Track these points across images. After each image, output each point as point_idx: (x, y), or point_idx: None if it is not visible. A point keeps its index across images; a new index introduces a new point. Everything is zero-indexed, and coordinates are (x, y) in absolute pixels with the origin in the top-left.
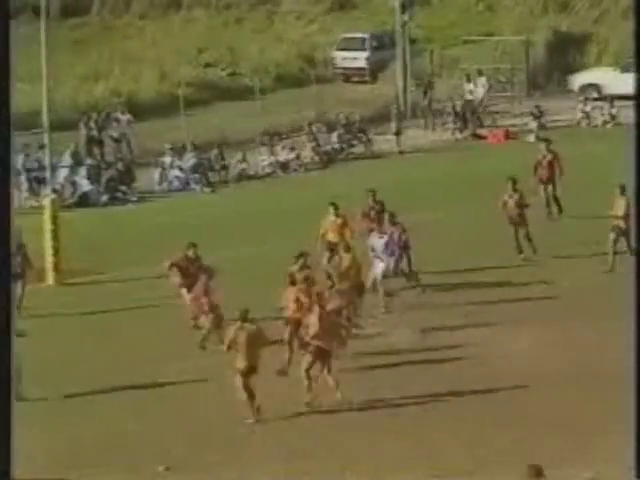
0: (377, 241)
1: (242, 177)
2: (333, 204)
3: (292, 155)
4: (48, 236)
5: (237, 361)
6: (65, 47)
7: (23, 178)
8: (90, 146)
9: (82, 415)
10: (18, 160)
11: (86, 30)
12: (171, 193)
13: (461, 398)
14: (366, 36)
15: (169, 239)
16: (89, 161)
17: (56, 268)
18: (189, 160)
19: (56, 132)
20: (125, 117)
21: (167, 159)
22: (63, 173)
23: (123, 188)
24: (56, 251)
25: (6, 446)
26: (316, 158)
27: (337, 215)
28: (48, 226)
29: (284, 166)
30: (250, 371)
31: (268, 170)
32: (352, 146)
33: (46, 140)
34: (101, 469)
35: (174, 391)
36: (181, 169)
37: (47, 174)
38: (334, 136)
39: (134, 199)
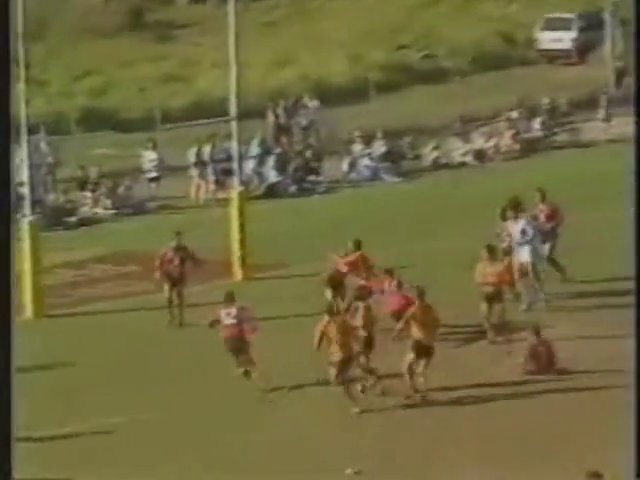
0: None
1: (435, 166)
2: (510, 200)
3: (490, 143)
4: (235, 230)
5: (332, 355)
6: (254, 31)
7: (210, 170)
8: (278, 134)
9: (272, 415)
10: (205, 151)
11: (276, 12)
12: (360, 183)
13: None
14: (573, 16)
15: (357, 231)
16: (277, 150)
17: (243, 262)
18: (379, 148)
19: (243, 120)
20: (314, 103)
21: (357, 147)
22: (250, 164)
23: (311, 178)
24: (243, 245)
25: (7, 446)
26: (516, 146)
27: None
28: (235, 220)
29: (480, 155)
30: (346, 362)
31: (463, 159)
32: (556, 134)
33: (234, 129)
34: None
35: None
36: (371, 158)
37: (234, 165)
38: (536, 123)
39: (322, 189)
